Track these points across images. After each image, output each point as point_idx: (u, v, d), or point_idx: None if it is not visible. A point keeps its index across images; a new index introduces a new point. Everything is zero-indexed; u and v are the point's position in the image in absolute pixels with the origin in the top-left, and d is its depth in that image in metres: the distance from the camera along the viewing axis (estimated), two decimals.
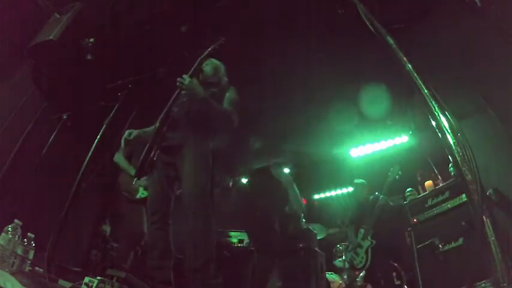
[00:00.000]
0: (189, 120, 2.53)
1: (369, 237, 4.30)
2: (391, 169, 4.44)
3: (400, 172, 4.41)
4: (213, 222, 2.33)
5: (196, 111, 2.54)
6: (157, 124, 2.40)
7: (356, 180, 5.07)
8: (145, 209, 3.52)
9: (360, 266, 4.31)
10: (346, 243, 4.76)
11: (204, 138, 2.55)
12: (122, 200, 3.80)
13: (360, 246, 4.35)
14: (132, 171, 3.38)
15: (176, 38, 3.91)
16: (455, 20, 2.97)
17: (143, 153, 2.30)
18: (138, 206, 3.62)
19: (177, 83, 2.39)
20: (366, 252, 4.27)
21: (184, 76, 2.41)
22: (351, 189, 7.11)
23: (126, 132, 2.58)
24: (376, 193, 4.65)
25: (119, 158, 3.78)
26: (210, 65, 2.80)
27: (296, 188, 3.65)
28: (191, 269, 2.18)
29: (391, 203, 4.39)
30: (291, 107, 5.11)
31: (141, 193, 3.64)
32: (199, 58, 2.58)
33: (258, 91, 4.47)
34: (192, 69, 2.50)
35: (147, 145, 2.31)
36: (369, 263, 4.23)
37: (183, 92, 2.42)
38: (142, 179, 3.17)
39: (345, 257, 4.58)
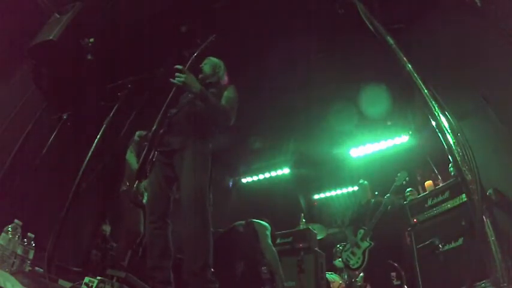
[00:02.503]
0: (187, 121, 2.53)
1: (368, 239, 4.27)
2: (399, 174, 4.38)
3: (407, 178, 4.36)
4: (211, 224, 2.32)
5: (196, 112, 2.54)
6: (155, 126, 2.39)
7: (360, 181, 5.05)
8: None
9: (356, 266, 4.29)
10: (344, 243, 4.75)
11: (204, 138, 2.54)
12: (122, 200, 3.81)
13: (358, 246, 4.33)
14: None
15: (176, 38, 3.91)
16: (455, 20, 2.97)
17: (141, 156, 2.30)
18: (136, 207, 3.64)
19: (175, 78, 2.36)
20: (364, 253, 4.25)
21: (182, 69, 2.38)
22: (351, 189, 7.12)
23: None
24: (379, 197, 4.63)
25: (130, 156, 3.76)
26: (208, 64, 2.80)
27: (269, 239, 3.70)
28: (190, 272, 2.17)
29: (389, 206, 4.34)
30: (291, 107, 5.12)
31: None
32: (192, 57, 2.57)
33: (258, 91, 4.47)
34: (186, 67, 2.48)
35: (145, 148, 2.31)
36: (365, 264, 4.21)
37: (181, 83, 2.36)
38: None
39: (341, 256, 4.56)
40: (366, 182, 4.99)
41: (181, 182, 2.40)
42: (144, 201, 3.64)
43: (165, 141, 2.46)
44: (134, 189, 3.56)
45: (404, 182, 4.35)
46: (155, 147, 2.38)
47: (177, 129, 2.50)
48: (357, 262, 4.27)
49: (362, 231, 4.36)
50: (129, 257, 3.58)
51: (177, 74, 2.37)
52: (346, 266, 4.45)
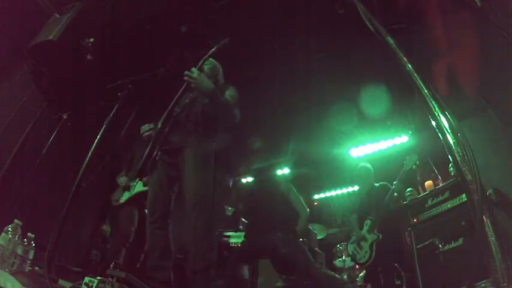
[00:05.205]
0: (191, 121, 2.54)
1: (375, 231, 3.95)
2: (407, 157, 3.96)
3: (418, 162, 3.90)
4: (214, 223, 2.33)
5: (199, 111, 2.56)
6: (159, 124, 2.40)
7: (362, 164, 4.55)
8: (139, 209, 3.64)
9: (363, 261, 3.98)
10: (345, 243, 4.64)
11: (207, 138, 2.55)
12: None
13: (365, 239, 4.01)
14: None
15: (176, 38, 3.91)
16: (455, 20, 2.97)
17: (145, 154, 2.31)
18: (128, 206, 3.80)
19: (185, 77, 2.39)
20: (371, 246, 3.93)
21: (193, 69, 2.41)
22: (351, 189, 7.12)
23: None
24: (385, 182, 4.27)
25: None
26: (208, 65, 2.83)
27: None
28: (192, 271, 2.18)
29: (396, 194, 3.91)
30: (291, 106, 5.12)
31: (125, 196, 3.86)
32: (204, 57, 2.60)
33: (258, 91, 4.48)
34: (197, 67, 2.50)
35: (149, 145, 2.32)
36: (372, 258, 3.89)
37: (192, 85, 2.41)
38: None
39: (347, 249, 4.27)
40: (369, 165, 4.54)
41: (185, 182, 2.41)
42: (122, 200, 3.85)
43: (169, 140, 2.47)
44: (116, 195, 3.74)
45: (414, 166, 3.93)
46: (159, 146, 2.39)
47: (180, 128, 2.51)
48: (364, 256, 3.96)
49: (369, 222, 4.02)
50: (124, 256, 3.68)
51: (186, 73, 2.38)
52: (353, 259, 4.15)
